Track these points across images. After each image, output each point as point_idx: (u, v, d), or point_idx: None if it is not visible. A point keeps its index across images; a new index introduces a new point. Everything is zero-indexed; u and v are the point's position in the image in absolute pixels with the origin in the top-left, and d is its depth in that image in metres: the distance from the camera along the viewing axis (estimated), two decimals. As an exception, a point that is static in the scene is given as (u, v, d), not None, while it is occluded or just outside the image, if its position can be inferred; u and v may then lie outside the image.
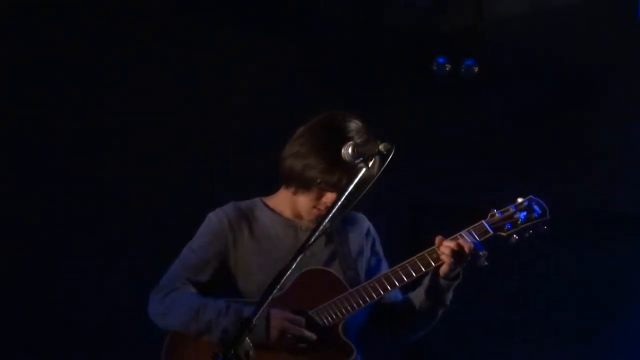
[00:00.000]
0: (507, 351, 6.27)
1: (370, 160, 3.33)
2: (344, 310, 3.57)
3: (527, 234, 3.64)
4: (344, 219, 3.76)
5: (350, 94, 5.93)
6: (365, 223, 3.86)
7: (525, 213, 3.62)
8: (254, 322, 3.08)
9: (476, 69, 6.19)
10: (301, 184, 3.63)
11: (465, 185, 6.23)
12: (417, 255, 3.60)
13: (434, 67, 6.21)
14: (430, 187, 6.23)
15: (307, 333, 3.52)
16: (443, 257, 3.56)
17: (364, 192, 3.29)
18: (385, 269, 3.77)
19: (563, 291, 6.30)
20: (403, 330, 3.78)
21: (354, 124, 3.63)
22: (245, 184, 5.65)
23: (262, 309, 3.08)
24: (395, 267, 3.61)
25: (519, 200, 3.65)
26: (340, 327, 3.56)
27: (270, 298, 3.09)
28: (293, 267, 3.14)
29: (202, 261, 3.65)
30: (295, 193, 3.68)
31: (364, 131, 3.62)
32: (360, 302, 3.57)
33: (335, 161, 3.48)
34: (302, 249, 3.18)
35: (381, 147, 3.33)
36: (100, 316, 5.63)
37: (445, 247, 3.56)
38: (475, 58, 6.20)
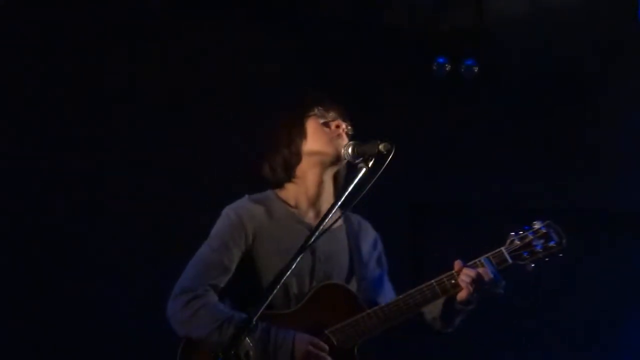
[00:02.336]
0: (506, 350, 6.26)
1: (370, 160, 3.33)
2: (361, 334, 3.53)
3: (543, 261, 3.63)
4: (357, 225, 3.76)
5: (350, 94, 5.93)
6: (373, 233, 3.86)
7: (542, 241, 3.61)
8: (253, 322, 3.08)
9: (476, 69, 6.19)
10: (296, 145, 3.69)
11: (465, 185, 6.23)
12: (436, 279, 3.57)
13: (434, 67, 6.21)
14: (430, 187, 6.22)
15: (329, 359, 3.48)
16: (462, 284, 3.54)
17: (365, 191, 3.30)
18: (386, 283, 3.78)
19: (563, 291, 6.30)
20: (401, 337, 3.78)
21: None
22: (245, 183, 5.65)
23: (261, 309, 3.08)
24: (413, 290, 3.57)
25: (536, 225, 3.65)
26: (356, 350, 3.54)
27: (270, 298, 3.10)
28: (293, 267, 3.15)
29: (224, 261, 3.58)
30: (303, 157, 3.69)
31: None
32: (378, 326, 3.54)
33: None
34: (302, 249, 3.19)
35: (381, 147, 3.34)
36: (99, 318, 5.64)
37: (465, 275, 3.54)
38: (475, 58, 6.20)
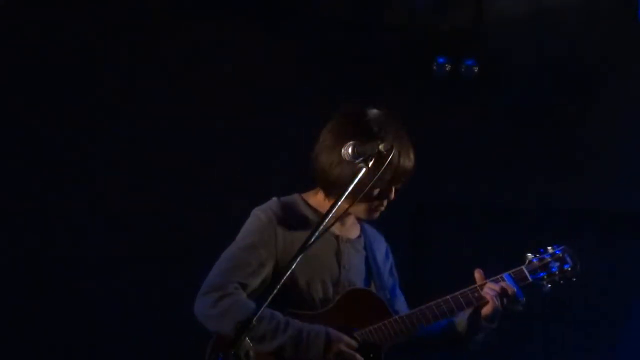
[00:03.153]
0: (506, 350, 6.26)
1: (370, 160, 3.32)
2: (388, 337, 3.57)
3: (558, 284, 3.77)
4: (372, 237, 3.78)
5: (350, 94, 5.93)
6: (385, 244, 3.89)
7: (558, 264, 3.75)
8: (254, 322, 3.09)
9: (476, 69, 6.19)
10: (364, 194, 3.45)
11: (465, 185, 6.23)
12: (460, 292, 3.64)
13: (434, 67, 6.21)
14: (430, 187, 6.22)
15: (359, 358, 3.51)
16: (487, 297, 3.61)
17: (364, 191, 3.30)
18: (399, 293, 3.83)
19: (563, 291, 6.29)
20: (425, 350, 3.82)
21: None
22: (244, 184, 5.65)
23: (261, 309, 3.09)
24: (438, 300, 3.63)
25: (551, 250, 3.78)
26: (382, 353, 3.57)
27: (270, 298, 3.09)
28: (293, 267, 3.15)
29: (252, 262, 3.55)
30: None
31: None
32: (405, 330, 3.58)
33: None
34: (303, 249, 3.18)
35: (381, 147, 3.33)
36: (99, 319, 5.64)
37: (490, 288, 3.62)
38: (475, 58, 6.19)
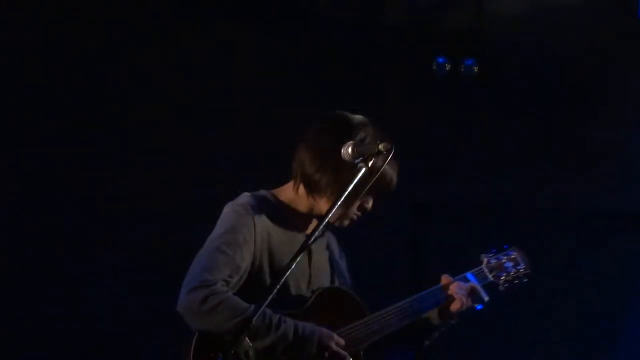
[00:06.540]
0: (507, 351, 6.26)
1: (370, 160, 3.32)
2: (365, 336, 3.58)
3: (514, 284, 3.87)
4: (329, 237, 3.78)
5: (350, 94, 5.93)
6: (336, 243, 3.86)
7: (512, 264, 3.88)
8: (253, 322, 3.08)
9: (476, 69, 6.19)
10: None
11: (465, 185, 6.23)
12: (428, 291, 3.71)
13: (434, 67, 6.21)
14: (430, 187, 6.22)
15: (348, 357, 3.52)
16: (456, 296, 3.68)
17: (364, 192, 3.30)
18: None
19: (563, 290, 6.30)
20: (392, 349, 3.81)
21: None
22: (244, 184, 5.65)
23: (261, 309, 3.09)
24: (411, 298, 3.68)
25: (505, 250, 3.91)
26: (362, 353, 3.58)
27: (270, 298, 3.10)
28: (293, 267, 3.14)
29: (239, 260, 3.48)
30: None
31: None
32: (382, 330, 3.61)
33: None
34: (302, 249, 3.18)
35: (381, 147, 3.33)
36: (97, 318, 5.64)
37: (459, 287, 3.70)
38: (475, 58, 6.20)
